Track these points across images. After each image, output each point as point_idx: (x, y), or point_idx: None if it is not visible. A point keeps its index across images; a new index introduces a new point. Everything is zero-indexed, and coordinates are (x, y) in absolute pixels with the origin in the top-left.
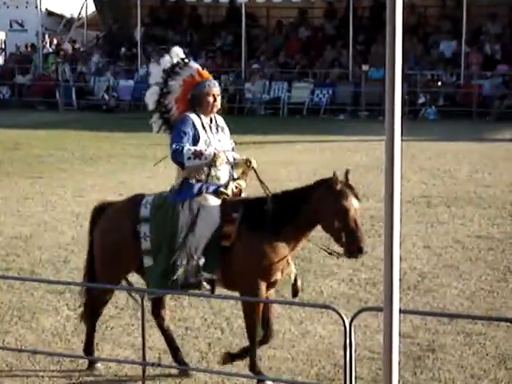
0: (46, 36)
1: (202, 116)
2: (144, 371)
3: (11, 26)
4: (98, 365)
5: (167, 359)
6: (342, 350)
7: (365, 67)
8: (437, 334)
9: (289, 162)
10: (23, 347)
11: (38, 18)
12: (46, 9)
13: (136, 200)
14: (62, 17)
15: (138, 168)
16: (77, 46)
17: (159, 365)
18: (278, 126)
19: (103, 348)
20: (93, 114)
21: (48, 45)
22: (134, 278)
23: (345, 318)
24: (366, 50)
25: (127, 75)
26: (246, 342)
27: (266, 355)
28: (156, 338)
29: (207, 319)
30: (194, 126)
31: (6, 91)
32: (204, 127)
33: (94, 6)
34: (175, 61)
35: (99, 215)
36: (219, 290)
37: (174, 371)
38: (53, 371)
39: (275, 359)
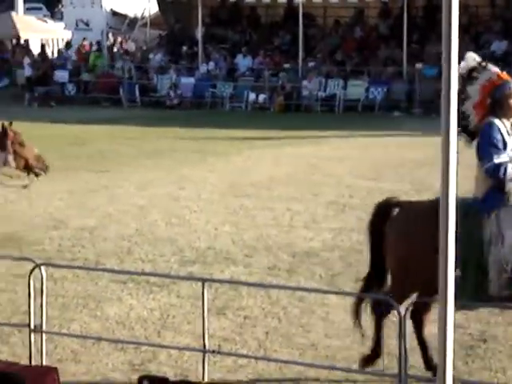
0: (110, 35)
1: (504, 120)
2: (204, 358)
3: (77, 25)
4: None
5: (227, 347)
6: (396, 340)
7: (418, 65)
8: (488, 325)
9: (345, 158)
10: (88, 334)
11: (103, 17)
12: (111, 9)
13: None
14: (125, 16)
15: (198, 162)
16: (140, 45)
17: (219, 352)
18: (333, 122)
19: (165, 336)
20: (155, 110)
21: (113, 43)
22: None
23: (399, 309)
24: (419, 49)
25: (188, 73)
26: (301, 332)
27: (323, 344)
28: (216, 326)
29: (265, 308)
30: (500, 131)
31: (72, 88)
32: (508, 132)
33: (157, 6)
34: (472, 65)
35: (388, 213)
36: (277, 281)
37: (233, 358)
38: (117, 358)
39: (331, 348)
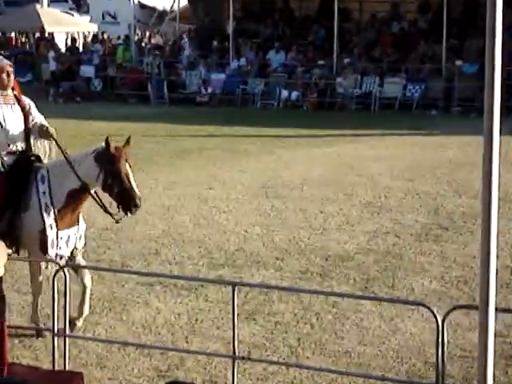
0: (138, 29)
1: None
2: (234, 365)
3: (103, 18)
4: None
5: (257, 353)
6: (433, 348)
7: (458, 62)
8: None
9: (380, 157)
10: (113, 339)
11: (131, 10)
12: (139, 1)
13: None
14: (154, 9)
15: (228, 162)
16: (168, 39)
17: (249, 359)
18: (369, 120)
19: (192, 341)
20: (184, 107)
21: (141, 37)
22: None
23: (437, 316)
24: (459, 45)
25: (219, 69)
26: (334, 338)
27: (356, 351)
28: (246, 332)
29: (297, 314)
30: None
31: (98, 83)
32: None
33: None
34: None
35: None
36: (309, 285)
37: (264, 365)
38: (143, 363)
39: (365, 355)
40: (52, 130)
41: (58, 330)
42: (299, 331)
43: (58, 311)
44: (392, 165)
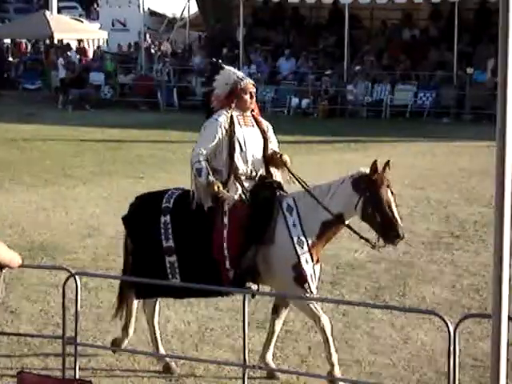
0: (147, 36)
1: None
2: (244, 374)
3: (113, 26)
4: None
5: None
6: (445, 357)
7: (470, 70)
8: None
9: (391, 165)
10: (123, 347)
11: (141, 17)
12: (149, 8)
13: None
14: (164, 17)
15: None
16: (178, 46)
17: (260, 367)
18: (380, 128)
19: (203, 349)
20: (194, 114)
21: (150, 44)
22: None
23: (449, 324)
24: (471, 53)
25: None
26: (345, 347)
27: (367, 360)
28: (256, 340)
29: (307, 323)
30: None
31: (108, 90)
32: None
33: (196, 6)
34: None
35: None
36: (319, 293)
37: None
38: (153, 372)
39: (376, 365)
40: (286, 158)
41: (68, 338)
42: (310, 340)
43: (67, 319)
44: (403, 173)
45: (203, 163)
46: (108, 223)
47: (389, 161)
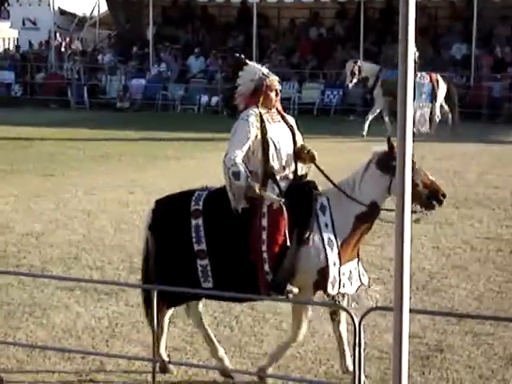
0: (58, 34)
1: None
2: (154, 368)
3: (24, 24)
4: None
5: (176, 357)
6: (351, 349)
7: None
8: (445, 334)
9: None
10: (34, 343)
11: (51, 16)
12: (59, 7)
13: None
14: (74, 16)
15: (148, 166)
16: (88, 44)
17: (169, 362)
18: None
19: (113, 345)
20: (104, 112)
21: (61, 43)
22: None
23: (354, 318)
24: (376, 52)
25: (139, 74)
26: (254, 341)
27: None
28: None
29: (217, 317)
30: None
31: (18, 89)
32: None
33: (106, 5)
34: None
35: None
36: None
37: (184, 368)
38: (63, 367)
39: (284, 357)
40: (314, 153)
41: None
42: (219, 334)
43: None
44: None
45: (240, 166)
46: (18, 221)
47: (390, 137)
